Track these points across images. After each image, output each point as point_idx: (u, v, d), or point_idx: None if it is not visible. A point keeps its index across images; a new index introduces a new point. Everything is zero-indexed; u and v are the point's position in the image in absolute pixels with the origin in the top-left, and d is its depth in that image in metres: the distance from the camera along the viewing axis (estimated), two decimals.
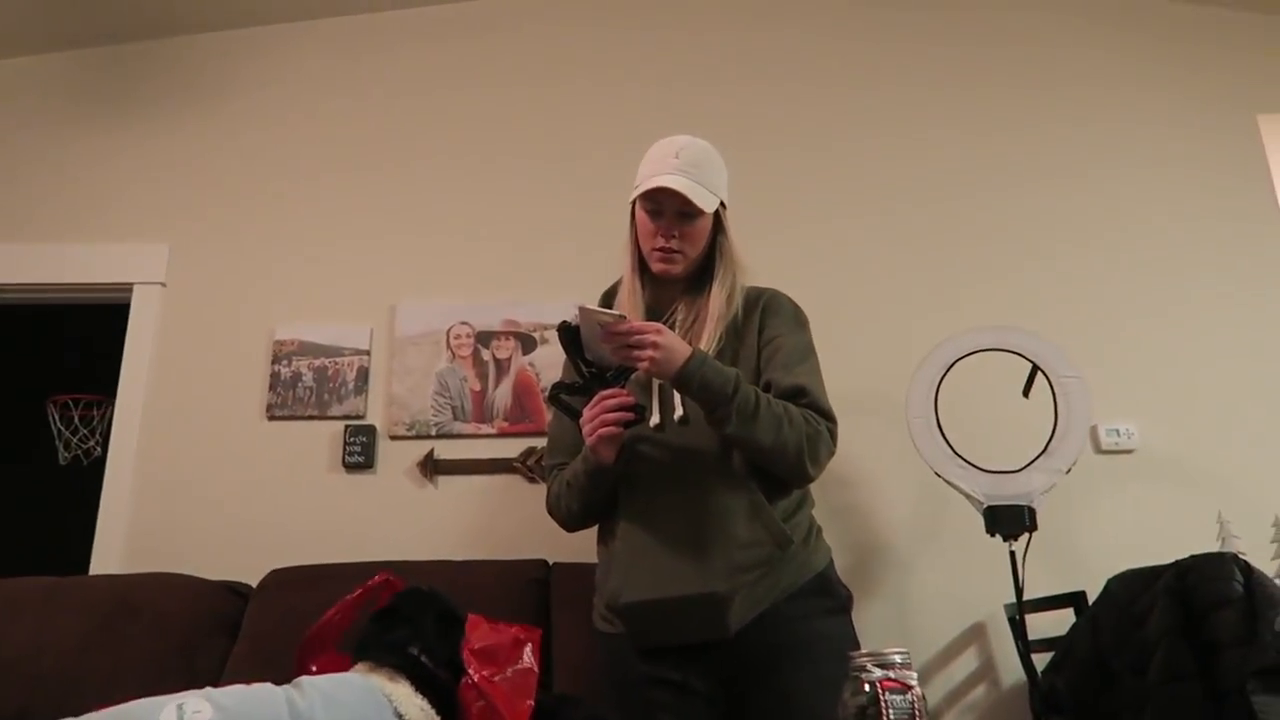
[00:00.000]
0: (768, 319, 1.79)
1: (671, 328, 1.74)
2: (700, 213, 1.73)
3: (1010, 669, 2.42)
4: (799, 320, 1.83)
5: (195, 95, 3.02)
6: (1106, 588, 2.00)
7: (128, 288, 2.79)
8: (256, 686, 1.29)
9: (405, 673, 1.33)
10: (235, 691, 1.26)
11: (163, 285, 2.80)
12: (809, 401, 1.68)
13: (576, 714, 1.46)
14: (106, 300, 2.87)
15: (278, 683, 1.31)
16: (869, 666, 1.06)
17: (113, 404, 2.71)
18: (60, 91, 3.04)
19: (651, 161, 1.77)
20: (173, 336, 2.76)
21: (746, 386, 1.61)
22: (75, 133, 2.98)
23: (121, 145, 2.96)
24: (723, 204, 1.79)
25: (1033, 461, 2.20)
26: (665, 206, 1.74)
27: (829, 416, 1.70)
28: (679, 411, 1.69)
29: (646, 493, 1.68)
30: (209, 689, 1.25)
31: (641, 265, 1.82)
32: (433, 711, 1.28)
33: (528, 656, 1.46)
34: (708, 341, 1.71)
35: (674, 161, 1.72)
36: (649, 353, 1.55)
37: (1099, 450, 2.64)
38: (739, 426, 1.59)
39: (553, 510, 1.84)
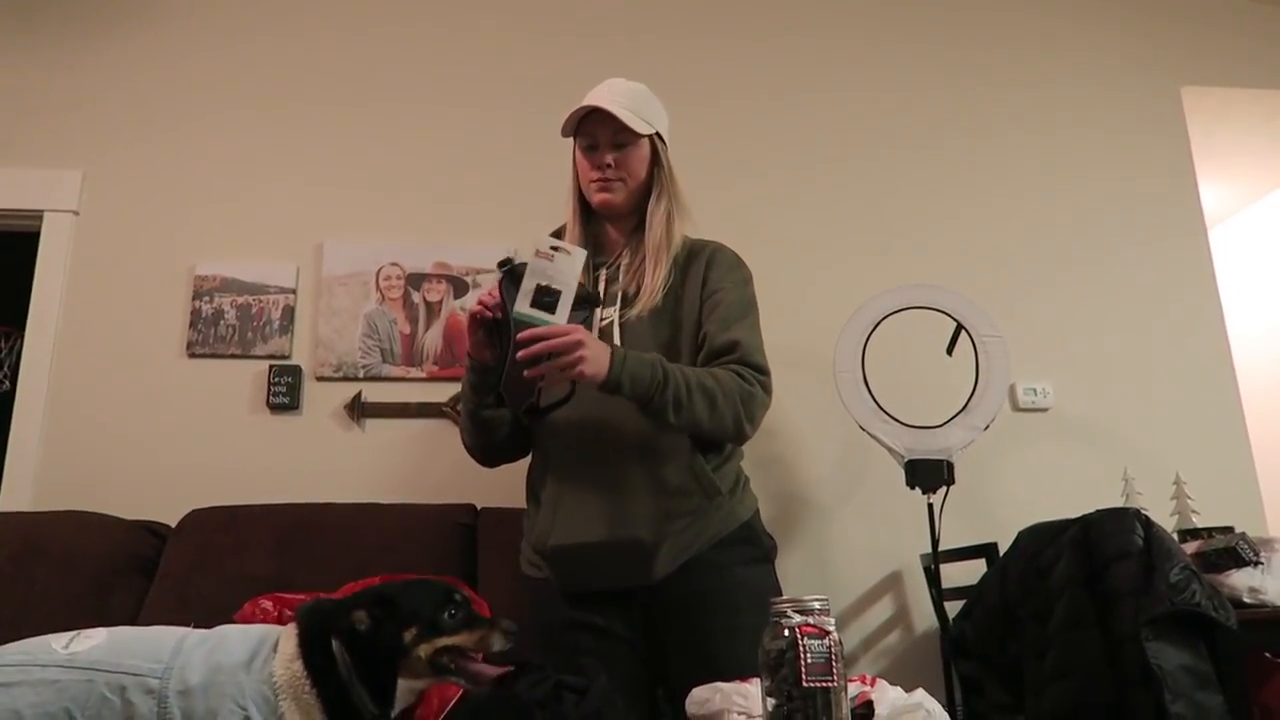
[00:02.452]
0: (710, 271, 1.78)
1: (616, 273, 1.75)
2: (634, 139, 1.73)
3: (923, 616, 2.51)
4: (742, 275, 1.82)
5: (117, 14, 2.85)
6: (1016, 540, 2.08)
7: (38, 215, 2.66)
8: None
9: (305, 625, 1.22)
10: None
11: (75, 214, 2.67)
12: (739, 356, 1.67)
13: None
14: (14, 228, 2.73)
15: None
16: (789, 613, 1.08)
17: (22, 336, 2.60)
18: None
19: (584, 100, 1.76)
20: (86, 268, 2.64)
21: (672, 371, 1.59)
22: None
23: (34, 63, 2.79)
24: (662, 139, 1.78)
25: (953, 418, 2.26)
26: (599, 138, 1.74)
27: (760, 370, 1.70)
28: None
29: (577, 439, 1.69)
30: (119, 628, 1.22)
31: (584, 211, 1.81)
32: (306, 680, 1.16)
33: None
34: (653, 273, 1.70)
35: (605, 95, 1.74)
36: (577, 355, 1.48)
37: (1016, 408, 2.72)
38: (676, 416, 1.58)
39: (465, 445, 1.84)
